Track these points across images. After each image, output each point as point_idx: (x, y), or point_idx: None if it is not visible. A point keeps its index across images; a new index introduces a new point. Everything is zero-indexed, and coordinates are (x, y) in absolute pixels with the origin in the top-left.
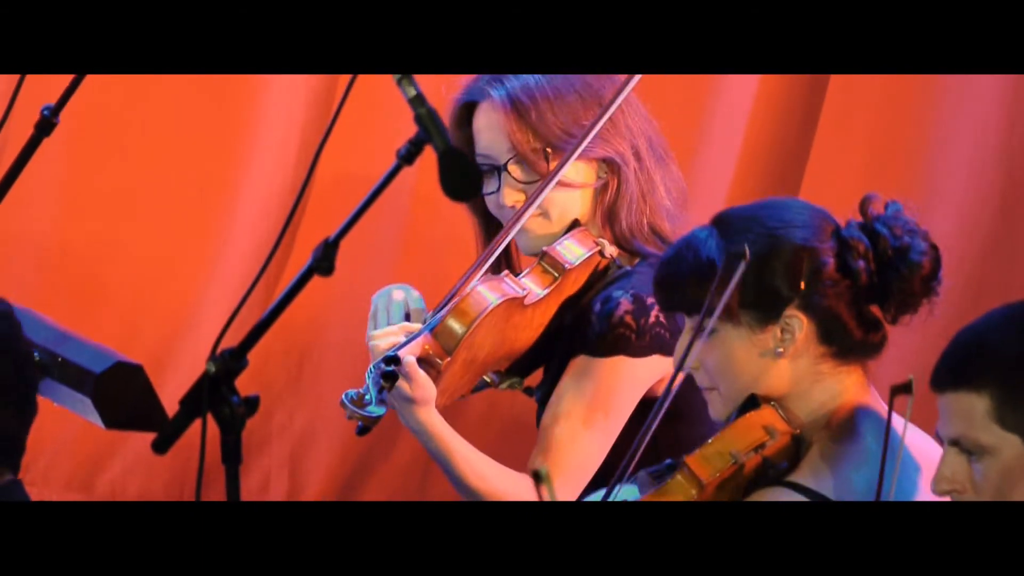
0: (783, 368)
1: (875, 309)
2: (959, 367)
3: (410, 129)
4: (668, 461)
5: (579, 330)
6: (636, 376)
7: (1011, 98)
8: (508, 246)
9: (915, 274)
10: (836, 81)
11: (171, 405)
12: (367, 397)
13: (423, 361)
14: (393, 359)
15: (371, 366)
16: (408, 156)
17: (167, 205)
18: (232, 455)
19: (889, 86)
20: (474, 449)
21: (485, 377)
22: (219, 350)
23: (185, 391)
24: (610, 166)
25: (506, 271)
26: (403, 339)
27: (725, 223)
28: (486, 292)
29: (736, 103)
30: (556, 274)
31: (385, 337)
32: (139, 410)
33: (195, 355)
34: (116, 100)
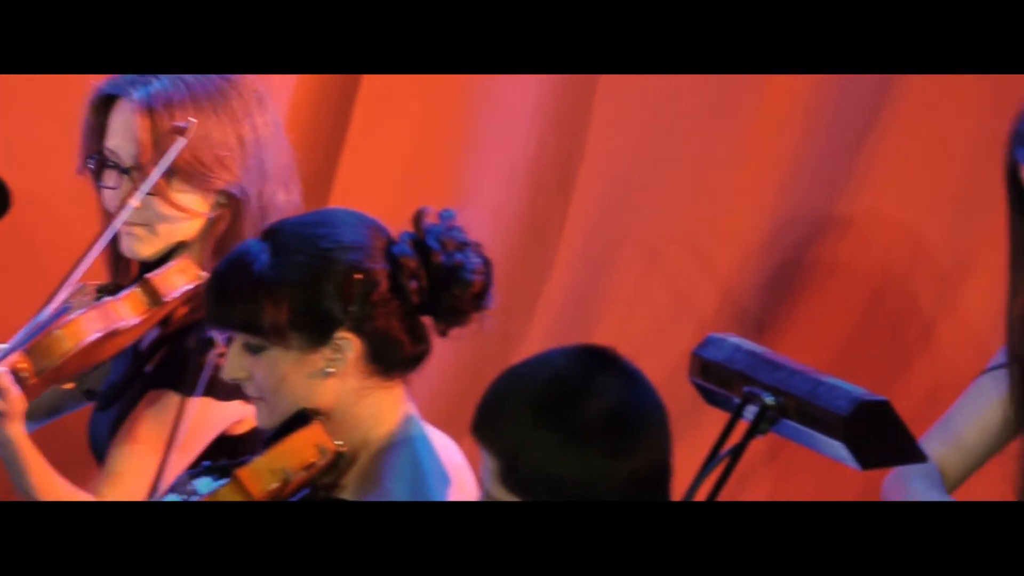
0: (332, 386)
1: (426, 319)
2: (477, 423)
3: None
4: (206, 463)
5: (170, 363)
6: (217, 417)
7: (539, 102)
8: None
9: (466, 292)
10: (368, 83)
11: None
12: None
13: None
14: None
15: None
16: None
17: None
18: None
19: (423, 88)
20: (51, 469)
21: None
22: None
23: None
24: (229, 198)
25: (107, 299)
26: None
27: (279, 239)
28: (90, 322)
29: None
30: (152, 304)
31: None
32: None
33: None
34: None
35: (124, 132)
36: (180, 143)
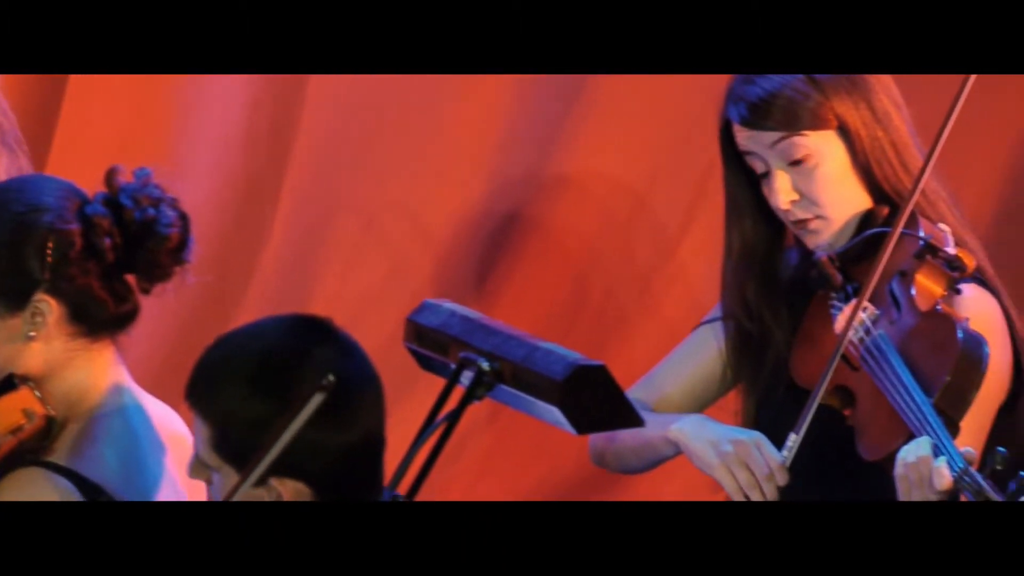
0: (36, 350)
1: (129, 278)
2: (190, 390)
3: None
4: None
5: None
6: None
7: (246, 85)
8: None
9: (162, 246)
10: (74, 81)
11: None
12: None
13: None
14: None
15: None
16: None
17: None
18: None
19: (129, 85)
20: None
21: None
22: None
23: None
24: None
25: None
26: None
27: None
28: None
29: None
30: None
31: None
32: None
33: None
34: None
35: None
36: None
